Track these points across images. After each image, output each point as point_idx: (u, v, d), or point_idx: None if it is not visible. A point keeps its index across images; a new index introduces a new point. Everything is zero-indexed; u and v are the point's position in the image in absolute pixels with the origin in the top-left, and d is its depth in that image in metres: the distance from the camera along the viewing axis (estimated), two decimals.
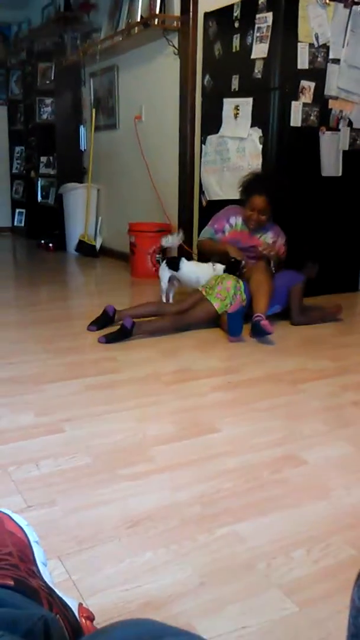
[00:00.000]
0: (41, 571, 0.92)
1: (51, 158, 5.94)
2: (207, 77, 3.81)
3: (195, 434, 1.79)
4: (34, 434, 1.77)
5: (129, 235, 4.48)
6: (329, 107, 3.49)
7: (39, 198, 6.19)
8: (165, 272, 3.27)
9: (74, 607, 0.89)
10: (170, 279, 3.28)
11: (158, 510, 1.37)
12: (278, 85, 3.29)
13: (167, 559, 1.20)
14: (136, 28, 4.26)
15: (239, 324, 2.78)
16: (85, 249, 5.44)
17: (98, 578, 1.14)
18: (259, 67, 3.35)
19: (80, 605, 0.91)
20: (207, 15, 3.75)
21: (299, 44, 3.28)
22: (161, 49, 4.25)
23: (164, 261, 3.31)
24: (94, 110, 5.35)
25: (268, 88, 3.32)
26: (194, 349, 2.74)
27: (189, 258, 3.36)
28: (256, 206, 3.15)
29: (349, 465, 1.62)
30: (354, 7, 3.45)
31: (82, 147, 5.78)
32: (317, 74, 3.39)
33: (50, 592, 0.87)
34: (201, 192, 3.98)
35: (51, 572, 0.98)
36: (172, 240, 3.43)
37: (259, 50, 3.33)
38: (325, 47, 3.38)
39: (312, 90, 3.38)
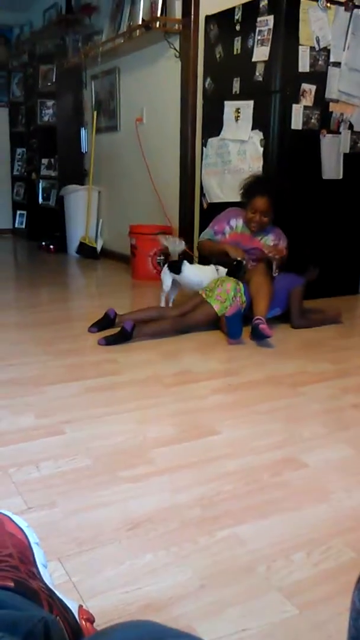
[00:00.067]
0: (41, 573, 0.92)
1: (52, 160, 5.95)
2: (208, 79, 3.82)
3: (196, 437, 1.79)
4: (34, 435, 1.77)
5: (130, 238, 4.49)
6: (330, 110, 3.50)
7: (40, 200, 6.20)
8: (167, 276, 3.22)
9: (74, 609, 0.89)
10: (173, 283, 3.24)
11: (158, 513, 1.37)
12: (279, 88, 3.30)
13: (168, 561, 1.20)
14: (137, 31, 4.27)
15: (237, 326, 2.78)
16: (86, 251, 5.45)
17: (98, 580, 1.14)
18: (260, 70, 3.36)
19: (80, 607, 0.91)
20: (208, 18, 3.76)
21: (299, 47, 3.28)
22: (162, 52, 4.26)
23: (166, 265, 3.27)
24: (95, 113, 5.36)
25: (269, 91, 3.33)
26: (194, 351, 2.74)
27: (191, 261, 3.35)
28: (258, 208, 3.15)
29: (349, 467, 1.62)
30: (355, 10, 3.46)
31: (83, 149, 5.79)
32: (318, 77, 3.40)
33: (51, 593, 0.87)
34: (202, 194, 3.99)
35: (51, 573, 0.98)
36: (173, 244, 3.38)
37: (260, 53, 3.34)
38: (326, 50, 3.39)
39: (313, 93, 3.39)
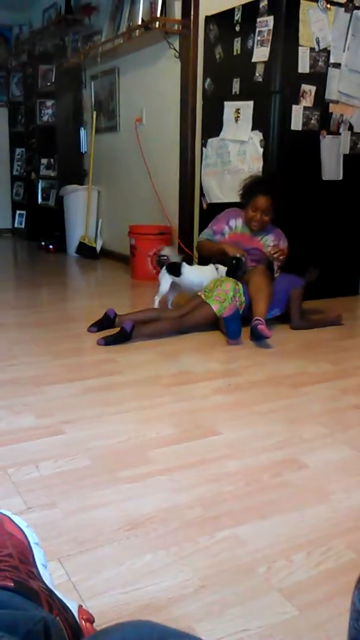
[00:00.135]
0: (41, 573, 0.92)
1: (52, 160, 5.95)
2: (208, 80, 3.82)
3: (196, 437, 1.79)
4: (34, 435, 1.77)
5: (129, 238, 4.49)
6: (330, 111, 3.50)
7: (40, 200, 6.19)
8: (166, 278, 3.19)
9: (74, 609, 0.89)
10: (171, 285, 3.20)
11: (158, 513, 1.37)
12: (279, 89, 3.30)
13: (168, 561, 1.20)
14: (137, 31, 4.27)
15: (236, 327, 2.78)
16: (86, 251, 5.45)
17: (98, 580, 1.13)
18: (259, 71, 3.36)
19: (80, 607, 0.91)
20: (208, 18, 3.76)
21: (299, 47, 3.29)
22: (162, 52, 4.26)
23: (164, 267, 3.23)
24: (94, 113, 5.36)
25: (269, 91, 3.33)
26: (194, 351, 2.74)
27: (190, 262, 3.34)
28: (259, 206, 3.14)
29: (349, 468, 1.62)
30: (355, 11, 3.46)
31: (83, 149, 5.79)
32: (318, 78, 3.40)
33: (50, 594, 0.87)
34: (202, 194, 3.99)
35: (51, 573, 0.98)
36: (169, 252, 3.34)
37: (260, 54, 3.34)
38: (326, 51, 3.39)
39: (312, 94, 3.39)
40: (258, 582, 1.14)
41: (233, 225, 3.29)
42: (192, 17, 3.87)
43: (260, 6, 3.30)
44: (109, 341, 2.70)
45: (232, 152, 3.64)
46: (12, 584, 0.81)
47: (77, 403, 2.04)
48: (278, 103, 3.32)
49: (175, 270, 3.18)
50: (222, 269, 3.14)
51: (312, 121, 3.43)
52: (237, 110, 3.56)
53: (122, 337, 2.72)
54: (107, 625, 0.77)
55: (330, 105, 3.49)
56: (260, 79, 3.37)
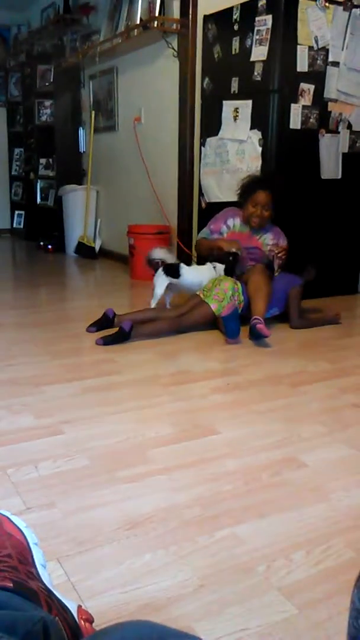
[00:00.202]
0: (40, 573, 0.92)
1: (50, 160, 5.94)
2: (207, 79, 3.82)
3: (195, 436, 1.79)
4: (33, 435, 1.77)
5: (128, 237, 4.48)
6: (329, 109, 3.50)
7: (38, 200, 6.19)
8: (162, 280, 3.13)
9: (73, 609, 0.88)
10: (168, 286, 3.15)
11: (157, 512, 1.36)
12: (277, 88, 3.30)
13: (167, 560, 1.19)
14: (135, 30, 4.26)
15: (234, 326, 2.78)
16: (85, 250, 5.44)
17: (97, 580, 1.13)
18: (258, 70, 3.36)
19: (79, 607, 0.91)
20: (206, 17, 3.76)
21: (298, 46, 3.28)
22: (160, 52, 4.26)
23: (161, 269, 3.17)
24: (93, 112, 5.35)
25: (267, 90, 3.33)
26: (192, 350, 2.74)
27: (188, 263, 3.32)
28: (259, 201, 3.14)
29: (348, 467, 1.62)
30: (353, 10, 3.46)
31: (82, 149, 5.79)
32: (317, 77, 3.40)
33: (50, 594, 0.87)
34: (200, 194, 3.99)
35: (50, 574, 0.98)
36: (161, 254, 3.27)
37: (259, 53, 3.34)
38: (325, 50, 3.39)
39: (311, 92, 3.39)
40: (257, 581, 1.14)
41: (231, 225, 3.29)
42: (190, 17, 3.87)
43: (259, 5, 3.30)
44: (107, 341, 2.70)
45: (230, 151, 3.64)
46: (11, 585, 0.81)
47: (76, 403, 2.04)
48: (277, 102, 3.32)
49: (173, 271, 3.15)
50: (220, 267, 3.13)
51: (311, 120, 3.43)
52: (236, 110, 3.56)
53: (121, 337, 2.72)
54: (106, 625, 0.77)
55: (329, 104, 3.49)
56: (258, 78, 3.37)
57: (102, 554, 1.21)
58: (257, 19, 3.32)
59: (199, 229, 3.74)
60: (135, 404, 2.04)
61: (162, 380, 2.29)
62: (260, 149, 3.42)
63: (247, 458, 1.65)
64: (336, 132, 3.56)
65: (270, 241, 3.24)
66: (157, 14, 4.09)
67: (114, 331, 2.76)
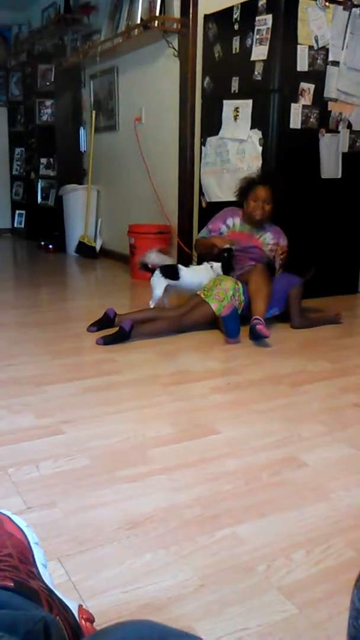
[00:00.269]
0: (41, 573, 0.92)
1: (51, 159, 5.94)
2: (207, 79, 3.82)
3: (195, 436, 1.79)
4: (33, 435, 1.77)
5: (129, 237, 4.48)
6: (329, 109, 3.50)
7: (39, 199, 6.19)
8: (161, 281, 3.11)
9: (74, 608, 0.89)
10: (166, 288, 3.13)
11: (158, 512, 1.37)
12: (278, 87, 3.30)
13: (167, 560, 1.20)
14: (136, 30, 4.26)
15: (234, 326, 2.78)
16: (85, 250, 5.45)
17: (98, 580, 1.14)
18: (258, 69, 3.36)
19: (80, 606, 0.91)
20: (207, 17, 3.76)
21: (298, 46, 3.28)
22: (161, 51, 4.26)
23: (158, 270, 3.15)
24: (93, 112, 5.35)
25: (268, 90, 3.33)
26: (193, 350, 2.74)
27: (189, 263, 3.31)
28: (260, 196, 3.13)
29: (348, 466, 1.62)
30: (353, 9, 3.46)
31: (82, 148, 5.79)
32: (317, 76, 3.40)
33: (50, 593, 0.87)
34: (201, 193, 3.99)
35: (51, 573, 0.98)
36: (155, 258, 3.26)
37: (259, 52, 3.34)
38: (325, 50, 3.39)
39: (311, 92, 3.39)
40: (258, 580, 1.14)
41: (231, 224, 3.29)
42: (191, 16, 3.87)
43: (259, 5, 3.30)
44: (107, 341, 2.70)
45: (231, 151, 3.64)
46: (12, 584, 0.81)
47: (77, 403, 2.04)
48: (277, 101, 3.32)
49: (172, 273, 3.13)
50: (217, 266, 3.14)
51: (311, 119, 3.43)
52: (236, 109, 3.56)
53: (121, 337, 2.72)
54: (107, 624, 0.78)
55: (329, 103, 3.49)
56: (259, 78, 3.37)
57: (103, 554, 1.21)
58: (257, 18, 3.32)
59: (200, 229, 3.74)
60: (135, 404, 2.04)
61: (163, 379, 2.30)
62: (260, 148, 3.42)
63: (247, 458, 1.65)
64: (336, 131, 3.56)
65: (270, 240, 3.24)
66: (157, 14, 4.09)
67: (114, 331, 2.76)
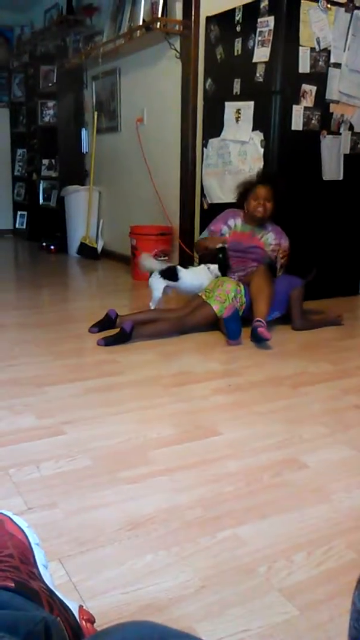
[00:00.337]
0: (42, 573, 0.92)
1: (53, 160, 5.95)
2: (209, 80, 3.82)
3: (196, 437, 1.79)
4: (34, 436, 1.77)
5: (130, 238, 4.49)
6: (330, 111, 3.50)
7: (41, 200, 6.20)
8: (159, 282, 3.11)
9: (74, 609, 0.89)
10: (164, 289, 3.14)
11: (159, 513, 1.37)
12: (279, 89, 3.30)
13: (168, 561, 1.20)
14: (138, 31, 4.27)
15: (235, 327, 2.78)
16: (87, 251, 5.45)
17: (99, 580, 1.14)
18: (260, 71, 3.36)
19: (80, 607, 0.91)
20: (209, 19, 3.76)
21: (300, 48, 3.29)
22: (163, 53, 4.26)
23: (157, 271, 3.15)
24: (95, 113, 5.36)
25: (269, 92, 3.33)
26: (194, 351, 2.74)
27: (190, 264, 3.32)
28: (261, 195, 3.14)
29: (349, 468, 1.62)
30: (355, 11, 3.46)
31: (84, 149, 5.79)
32: (319, 78, 3.40)
33: (51, 594, 0.87)
34: (202, 195, 3.99)
35: (52, 574, 0.98)
36: (152, 264, 3.27)
37: (261, 54, 3.34)
38: (327, 51, 3.39)
39: (313, 94, 3.39)
40: (258, 582, 1.14)
41: (232, 225, 3.30)
42: (193, 18, 3.88)
43: (261, 6, 3.30)
44: (109, 341, 2.70)
45: (232, 153, 3.65)
46: (13, 585, 0.81)
47: (78, 403, 2.04)
48: (279, 103, 3.32)
49: (171, 275, 3.14)
50: (214, 267, 3.15)
51: (313, 121, 3.43)
52: (238, 111, 3.57)
53: (122, 338, 2.72)
54: (107, 625, 0.78)
55: (331, 105, 3.49)
56: (260, 79, 3.37)
57: (104, 555, 1.21)
58: (259, 20, 3.32)
59: (201, 230, 3.74)
60: (137, 405, 2.04)
61: (164, 381, 2.30)
62: (262, 150, 3.42)
63: (248, 459, 1.65)
64: (338, 133, 3.56)
65: (272, 241, 3.24)
66: (159, 15, 4.10)
67: (115, 332, 2.76)
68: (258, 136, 3.43)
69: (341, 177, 3.64)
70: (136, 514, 1.36)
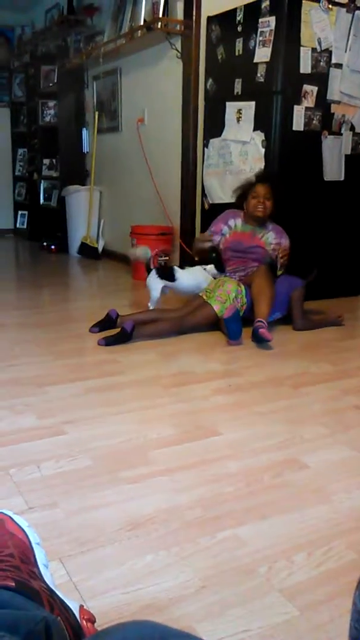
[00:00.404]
0: (42, 573, 0.92)
1: (54, 160, 5.95)
2: (210, 80, 3.82)
3: (197, 437, 1.79)
4: (35, 435, 1.77)
5: (131, 238, 4.49)
6: (332, 111, 3.50)
7: (42, 200, 6.20)
8: (157, 282, 3.12)
9: (75, 609, 0.89)
10: (162, 289, 3.14)
11: (159, 513, 1.37)
12: (280, 89, 3.30)
13: (169, 561, 1.20)
14: (139, 31, 4.27)
15: (236, 327, 2.78)
16: (88, 251, 5.45)
17: (99, 580, 1.14)
18: (261, 71, 3.36)
19: (81, 607, 0.91)
20: (210, 19, 3.76)
21: (301, 48, 3.29)
22: (164, 53, 4.26)
23: (154, 270, 3.16)
24: (96, 113, 5.36)
25: (271, 92, 3.33)
26: (194, 351, 2.74)
27: (182, 266, 3.32)
28: (260, 193, 3.15)
29: (349, 469, 1.62)
30: (357, 12, 3.46)
31: (85, 149, 5.79)
32: (320, 78, 3.40)
33: (52, 594, 0.87)
34: (203, 195, 3.99)
35: (52, 574, 0.98)
36: (143, 253, 3.29)
37: (262, 54, 3.34)
38: (328, 52, 3.39)
39: (314, 94, 3.39)
40: (259, 582, 1.14)
41: (232, 225, 3.30)
42: (194, 18, 3.88)
43: (262, 7, 3.30)
44: (109, 341, 2.70)
45: (234, 153, 3.65)
46: (14, 584, 0.81)
47: (79, 403, 2.04)
48: (280, 103, 3.32)
49: (168, 275, 3.14)
50: (210, 267, 3.17)
51: (314, 121, 3.43)
52: (239, 111, 3.57)
53: (123, 337, 2.72)
54: (108, 625, 0.78)
55: (332, 105, 3.49)
56: (262, 80, 3.37)
57: (104, 555, 1.21)
58: (260, 20, 3.32)
59: (202, 230, 3.75)
60: (137, 405, 2.04)
61: (164, 381, 2.30)
62: (263, 150, 3.42)
63: (248, 459, 1.65)
64: (339, 133, 3.56)
65: (273, 240, 3.23)
66: (160, 15, 4.10)
67: (116, 332, 2.77)
68: (259, 136, 3.44)
69: (342, 178, 3.64)
70: (136, 514, 1.36)
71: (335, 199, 3.64)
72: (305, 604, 1.09)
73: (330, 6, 3.33)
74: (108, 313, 2.95)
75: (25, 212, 6.82)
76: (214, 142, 3.81)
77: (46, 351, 2.61)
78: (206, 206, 3.96)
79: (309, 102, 3.39)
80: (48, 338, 2.82)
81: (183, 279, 3.16)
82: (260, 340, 2.73)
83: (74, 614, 0.87)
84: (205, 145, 3.90)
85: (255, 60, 3.38)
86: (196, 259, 3.88)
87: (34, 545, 0.95)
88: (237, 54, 3.53)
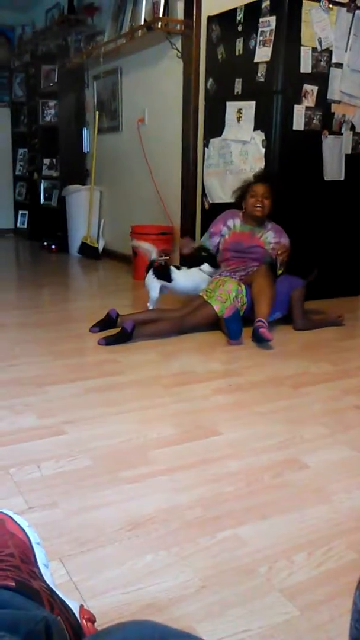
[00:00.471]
0: (42, 573, 0.92)
1: (54, 160, 5.95)
2: (210, 80, 3.82)
3: (197, 437, 1.79)
4: (35, 435, 1.77)
5: (132, 238, 4.48)
6: (332, 111, 3.50)
7: (42, 200, 6.20)
8: (155, 283, 3.15)
9: (75, 608, 0.89)
10: (161, 289, 3.17)
11: (159, 513, 1.37)
12: (281, 89, 3.30)
13: (169, 561, 1.20)
14: (140, 31, 4.27)
15: (236, 327, 2.78)
16: (88, 251, 5.45)
17: (99, 580, 1.14)
18: (262, 71, 3.36)
19: (81, 607, 0.91)
20: (210, 18, 3.76)
21: (301, 48, 3.28)
22: (164, 52, 4.26)
23: (151, 270, 3.18)
24: (97, 113, 5.36)
25: (271, 91, 3.33)
26: (195, 351, 2.74)
27: (178, 267, 3.32)
28: (258, 192, 3.15)
29: (350, 468, 1.62)
30: (357, 11, 3.46)
31: (85, 149, 5.79)
32: (320, 78, 3.40)
33: (52, 593, 0.87)
34: (204, 195, 3.99)
35: (52, 573, 0.98)
36: (148, 248, 3.33)
37: (262, 54, 3.34)
38: (328, 51, 3.39)
39: (314, 94, 3.39)
40: (259, 582, 1.14)
41: (232, 225, 3.30)
42: (194, 17, 3.87)
43: (263, 6, 3.30)
44: (109, 341, 2.70)
45: (234, 152, 3.64)
46: (14, 584, 0.81)
47: (79, 403, 2.04)
48: (280, 103, 3.32)
49: (165, 275, 3.16)
50: (205, 267, 3.18)
51: (314, 121, 3.43)
52: (239, 111, 3.57)
53: (123, 337, 2.72)
54: (108, 625, 0.78)
55: (333, 105, 3.49)
56: (262, 79, 3.37)
57: (104, 554, 1.21)
58: (260, 20, 3.32)
59: (202, 230, 3.75)
60: (137, 405, 2.04)
61: (165, 380, 2.30)
62: (263, 150, 3.42)
63: (248, 459, 1.65)
64: (339, 133, 3.56)
65: (272, 239, 3.23)
66: (161, 15, 4.09)
67: (116, 331, 2.77)
68: (259, 136, 3.43)
69: (342, 178, 3.64)
70: (136, 514, 1.36)
71: (336, 199, 3.63)
72: (305, 603, 1.09)
73: (330, 6, 3.33)
74: (108, 313, 2.95)
75: (26, 212, 6.82)
76: (214, 141, 3.81)
77: (46, 351, 2.61)
78: (206, 206, 3.96)
79: (309, 101, 3.39)
80: (48, 338, 2.82)
81: (180, 280, 3.18)
82: (260, 340, 2.73)
83: (74, 614, 0.87)
84: (206, 145, 3.90)
85: (256, 60, 3.38)
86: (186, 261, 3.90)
87: (34, 545, 0.95)
88: (237, 53, 3.53)
